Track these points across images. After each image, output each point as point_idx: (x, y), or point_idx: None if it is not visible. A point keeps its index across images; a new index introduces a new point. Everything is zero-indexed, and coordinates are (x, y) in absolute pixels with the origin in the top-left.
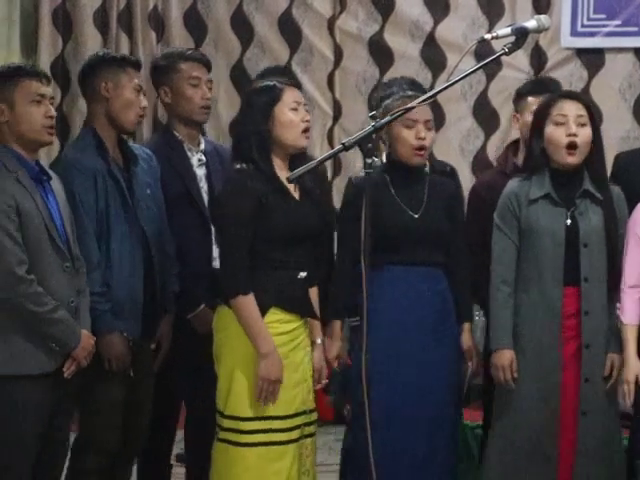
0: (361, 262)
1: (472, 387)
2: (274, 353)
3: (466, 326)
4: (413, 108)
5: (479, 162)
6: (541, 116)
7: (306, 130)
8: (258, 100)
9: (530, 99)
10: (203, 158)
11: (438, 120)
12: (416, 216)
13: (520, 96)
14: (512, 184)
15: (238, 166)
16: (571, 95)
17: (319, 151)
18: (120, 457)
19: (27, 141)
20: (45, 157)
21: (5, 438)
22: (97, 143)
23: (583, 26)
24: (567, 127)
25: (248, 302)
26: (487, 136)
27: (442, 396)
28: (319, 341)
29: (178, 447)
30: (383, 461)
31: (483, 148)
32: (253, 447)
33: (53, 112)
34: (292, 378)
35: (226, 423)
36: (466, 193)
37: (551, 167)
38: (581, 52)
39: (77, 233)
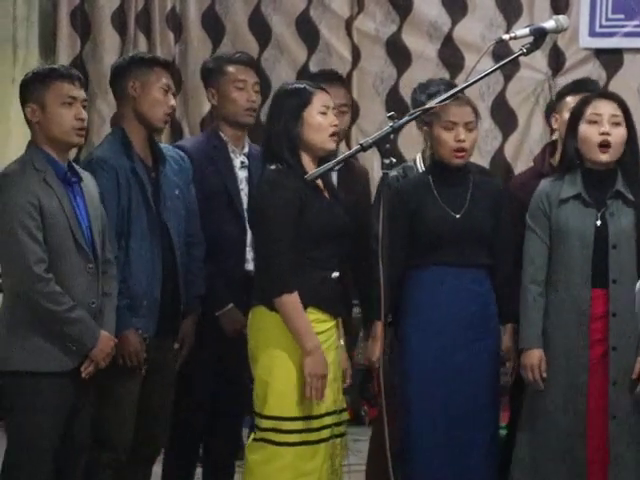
0: (381, 262)
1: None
2: (319, 349)
3: (508, 327)
4: (430, 110)
5: (497, 163)
6: (576, 115)
7: (334, 134)
8: (288, 102)
9: (569, 99)
10: (246, 161)
11: None
12: (458, 216)
13: (560, 97)
14: (544, 184)
15: (273, 166)
16: (606, 95)
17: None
18: (139, 455)
19: (57, 142)
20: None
21: (23, 433)
22: (124, 142)
23: (601, 26)
24: (600, 126)
25: (293, 300)
26: (505, 137)
27: (481, 397)
28: (342, 342)
29: None
30: (423, 458)
31: (501, 149)
32: (291, 446)
33: (84, 114)
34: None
35: (265, 423)
36: None
37: (584, 167)
38: (599, 52)
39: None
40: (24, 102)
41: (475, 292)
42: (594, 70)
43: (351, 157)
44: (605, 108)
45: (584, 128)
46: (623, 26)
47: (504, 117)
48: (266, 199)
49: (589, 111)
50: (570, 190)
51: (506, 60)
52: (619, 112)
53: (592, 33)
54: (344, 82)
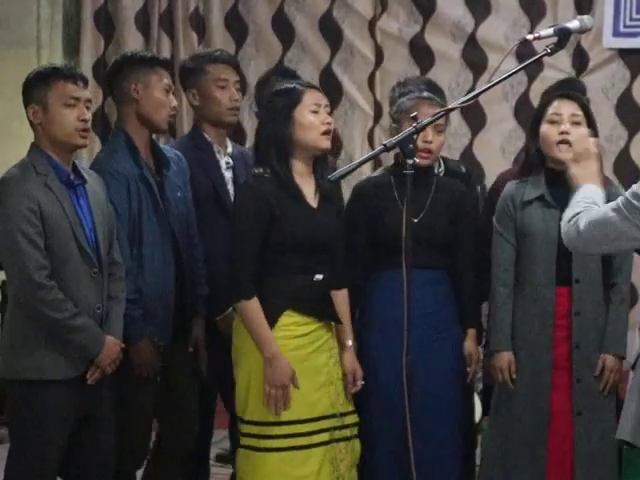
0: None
1: None
2: (278, 358)
3: (470, 332)
4: (453, 110)
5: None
6: (538, 116)
7: (327, 132)
8: (278, 103)
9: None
10: (230, 161)
11: (479, 121)
12: (415, 220)
13: (544, 97)
14: (509, 186)
15: (256, 171)
16: (567, 95)
17: (359, 152)
18: (172, 456)
19: (59, 143)
20: (87, 158)
21: (28, 441)
22: (128, 145)
23: (625, 26)
24: (560, 125)
25: (251, 307)
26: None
27: (446, 398)
28: (349, 343)
29: (218, 447)
30: (386, 463)
31: (524, 149)
32: (274, 452)
33: (87, 115)
34: (314, 381)
35: (246, 428)
36: None
37: (547, 168)
38: (623, 52)
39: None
40: (26, 103)
41: (432, 293)
42: (618, 70)
43: (375, 157)
44: (565, 108)
45: (544, 128)
46: None
47: (528, 118)
48: (237, 206)
49: (550, 111)
50: (533, 192)
51: (530, 60)
52: (579, 112)
53: (616, 33)
54: None
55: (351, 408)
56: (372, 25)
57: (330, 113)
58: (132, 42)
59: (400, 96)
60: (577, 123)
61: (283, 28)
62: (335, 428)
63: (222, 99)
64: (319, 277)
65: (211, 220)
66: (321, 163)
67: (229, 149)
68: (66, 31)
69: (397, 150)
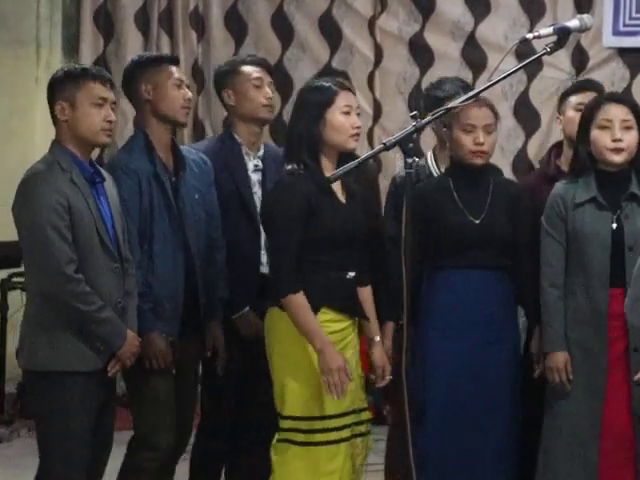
0: (404, 264)
1: None
2: (329, 346)
3: (535, 331)
4: (453, 109)
5: (520, 162)
6: (587, 119)
7: (356, 135)
8: (311, 100)
9: (572, 98)
10: (260, 164)
11: None
12: (477, 221)
13: (563, 97)
14: (559, 187)
15: (289, 167)
16: (616, 98)
17: (359, 151)
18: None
19: (84, 141)
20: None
21: (53, 433)
22: (146, 146)
23: (625, 25)
24: (612, 132)
25: (299, 300)
26: (528, 136)
27: (502, 399)
28: (377, 339)
29: None
30: (441, 461)
31: (524, 148)
32: (311, 446)
33: (113, 117)
34: None
35: (285, 424)
36: None
37: (597, 170)
38: (623, 52)
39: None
40: (53, 100)
41: (494, 293)
42: (617, 69)
43: (374, 156)
44: (616, 112)
45: (596, 134)
46: None
47: (527, 116)
48: (275, 202)
49: (600, 116)
50: (585, 194)
51: (529, 59)
52: (630, 116)
53: (616, 32)
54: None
55: (366, 404)
56: (372, 24)
57: (359, 115)
58: (132, 41)
59: (445, 97)
60: (628, 128)
61: (282, 27)
62: (355, 424)
63: (257, 96)
64: (352, 274)
65: (233, 220)
66: (347, 160)
67: (260, 152)
68: (65, 30)
69: (450, 152)
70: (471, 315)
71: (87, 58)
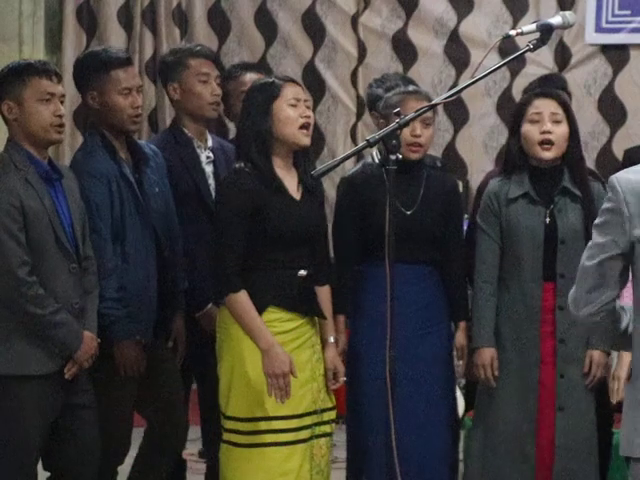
0: (387, 257)
1: None
2: (275, 347)
3: (461, 325)
4: (436, 105)
5: (502, 159)
6: (518, 115)
7: (305, 126)
8: (257, 97)
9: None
10: (211, 155)
11: (462, 116)
12: (408, 213)
13: (526, 93)
14: (493, 184)
15: (237, 165)
16: (546, 93)
17: (342, 148)
18: (164, 453)
19: (36, 139)
20: (69, 153)
21: (8, 437)
22: (105, 145)
23: (607, 22)
24: (541, 124)
25: (240, 299)
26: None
27: (433, 392)
28: (332, 340)
29: (200, 443)
30: (378, 458)
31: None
32: (256, 448)
33: (62, 111)
34: (298, 377)
35: (228, 424)
36: None
37: (530, 165)
38: (605, 48)
39: (92, 238)
40: (0, 99)
41: (422, 287)
42: (600, 66)
43: (357, 153)
44: (545, 106)
45: (526, 127)
46: (629, 22)
47: (510, 113)
48: (220, 200)
49: (530, 110)
50: (518, 189)
51: (512, 56)
52: (560, 110)
53: (598, 29)
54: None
55: (330, 404)
56: (355, 21)
57: (311, 108)
58: (114, 38)
59: (385, 92)
60: (558, 122)
61: (266, 24)
62: (316, 424)
63: (204, 93)
64: (303, 272)
65: (193, 215)
66: (303, 156)
67: (209, 143)
68: (48, 27)
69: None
70: (400, 308)
71: (70, 55)
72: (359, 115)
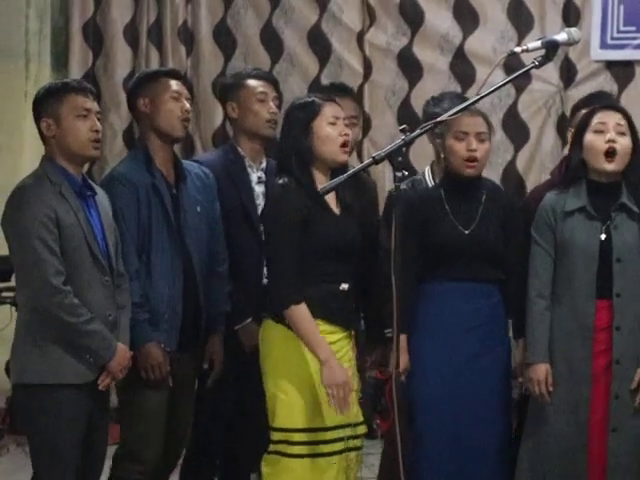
0: (393, 276)
1: None
2: (333, 358)
3: (521, 342)
4: (443, 122)
5: (508, 176)
6: (582, 126)
7: (344, 144)
8: (297, 116)
9: (583, 111)
10: (263, 176)
11: None
12: (467, 232)
13: (574, 110)
14: (549, 196)
15: (280, 181)
16: (611, 106)
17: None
18: (159, 467)
19: (73, 155)
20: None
21: (45, 446)
22: (145, 158)
23: (613, 38)
24: (606, 134)
25: (301, 311)
26: (516, 149)
27: (491, 410)
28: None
29: None
30: (433, 475)
31: (512, 162)
32: (301, 459)
33: (99, 126)
34: None
35: (276, 435)
36: None
37: (589, 179)
38: (611, 65)
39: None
40: (38, 117)
41: (484, 306)
42: (605, 82)
43: (363, 170)
44: (610, 117)
45: (590, 137)
46: (635, 38)
47: (516, 130)
48: (269, 214)
49: (594, 121)
50: (575, 203)
51: (518, 73)
52: (624, 122)
53: (604, 45)
54: (354, 95)
55: (361, 419)
56: (360, 38)
57: (349, 126)
58: (121, 55)
59: (441, 112)
60: (622, 133)
61: (272, 41)
62: (349, 437)
63: (261, 111)
64: (345, 286)
65: (237, 232)
66: (341, 173)
67: (263, 164)
68: (54, 44)
69: (444, 163)
70: (461, 327)
71: (76, 72)
72: (365, 131)
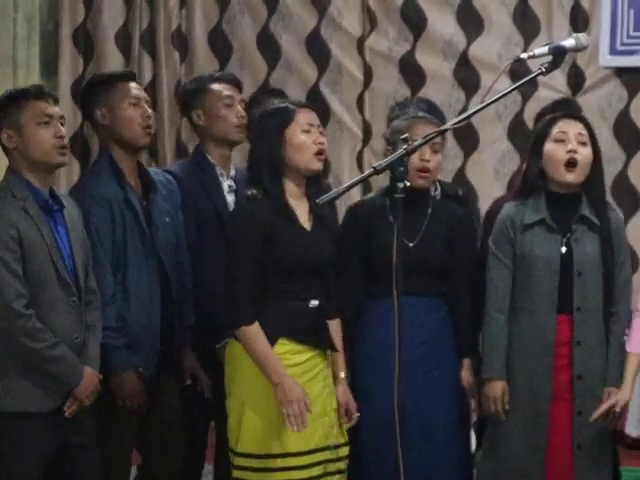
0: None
1: None
2: (286, 378)
3: (465, 362)
4: (446, 131)
5: (514, 187)
6: (541, 136)
7: (319, 152)
8: (269, 123)
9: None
10: (233, 184)
11: (472, 142)
12: (411, 244)
13: (539, 118)
14: (508, 208)
15: (249, 192)
16: (572, 115)
17: (348, 174)
18: None
19: (39, 165)
20: (65, 181)
21: (5, 475)
22: (113, 168)
23: (622, 44)
24: (567, 144)
25: (253, 332)
26: (523, 159)
27: (445, 430)
28: (342, 375)
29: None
30: None
31: (519, 171)
32: None
33: (63, 132)
34: (310, 411)
35: (239, 461)
36: None
37: (548, 190)
38: (620, 71)
39: (92, 265)
40: None
41: (428, 320)
42: (615, 89)
43: (363, 181)
44: (571, 127)
45: (550, 147)
46: None
47: (522, 139)
48: (231, 227)
49: (555, 130)
50: (534, 215)
51: (524, 80)
52: (585, 132)
53: (613, 51)
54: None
55: (343, 440)
56: (361, 43)
57: (323, 134)
58: (112, 61)
59: (395, 117)
60: (583, 143)
61: (269, 47)
62: (329, 461)
63: (229, 116)
64: (315, 303)
65: (213, 244)
66: (314, 184)
67: (232, 172)
68: (43, 50)
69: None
70: (405, 342)
71: (66, 79)
72: (365, 141)
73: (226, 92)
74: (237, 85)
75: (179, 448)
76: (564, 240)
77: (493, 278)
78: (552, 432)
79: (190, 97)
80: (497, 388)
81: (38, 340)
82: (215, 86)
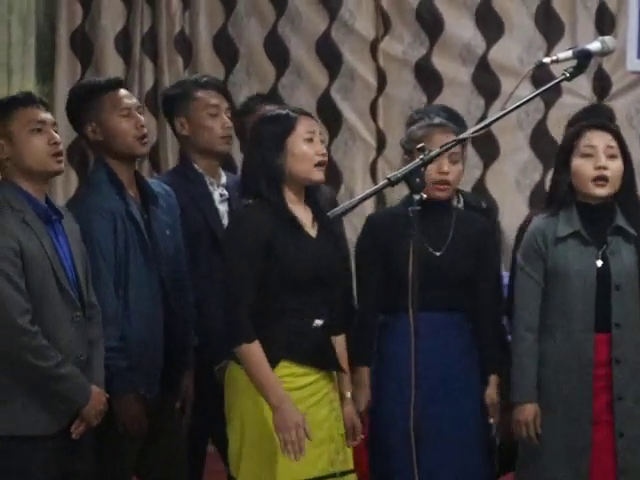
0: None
1: None
2: (286, 403)
3: (492, 379)
4: (464, 140)
5: (537, 197)
6: (567, 148)
7: (320, 164)
8: (269, 130)
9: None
10: (225, 193)
11: (492, 152)
12: (437, 254)
13: (570, 127)
14: (538, 221)
15: (247, 202)
16: (600, 125)
17: (361, 185)
18: None
19: (34, 174)
20: (62, 191)
21: None
22: (111, 180)
23: None
24: (596, 159)
25: (253, 350)
26: (546, 169)
27: (468, 454)
28: (349, 395)
29: None
30: None
31: (542, 182)
32: None
33: (57, 138)
34: (314, 437)
35: None
36: None
37: (579, 202)
38: None
39: (93, 281)
40: None
41: (452, 336)
42: None
43: (377, 193)
44: (600, 139)
45: (578, 162)
46: None
47: (545, 147)
48: (227, 242)
49: (582, 143)
50: (567, 228)
51: (547, 86)
52: (614, 143)
53: None
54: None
55: (350, 467)
56: (374, 47)
57: (324, 142)
58: (112, 66)
59: (411, 124)
60: (613, 156)
61: (277, 51)
62: None
63: (214, 127)
64: (319, 322)
65: (205, 259)
66: (315, 190)
67: (223, 179)
68: (40, 55)
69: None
70: (428, 360)
71: (63, 85)
72: (379, 150)
73: (212, 100)
74: (224, 92)
75: (182, 473)
76: (599, 253)
77: (523, 295)
78: (594, 457)
79: (172, 104)
80: (529, 412)
81: (44, 358)
82: (200, 93)
